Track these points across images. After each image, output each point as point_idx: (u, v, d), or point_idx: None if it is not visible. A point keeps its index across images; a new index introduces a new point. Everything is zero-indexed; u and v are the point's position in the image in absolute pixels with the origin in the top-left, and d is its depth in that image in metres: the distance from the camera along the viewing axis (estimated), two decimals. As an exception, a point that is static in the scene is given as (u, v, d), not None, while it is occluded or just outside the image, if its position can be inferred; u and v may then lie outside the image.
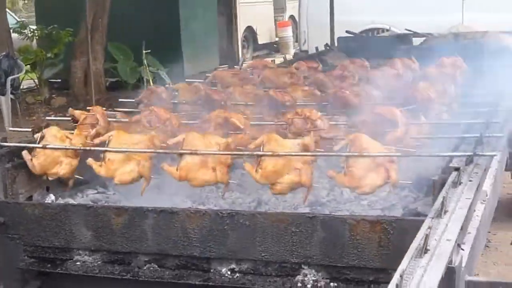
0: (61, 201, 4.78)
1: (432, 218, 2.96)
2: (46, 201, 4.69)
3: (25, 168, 4.62)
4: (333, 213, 4.29)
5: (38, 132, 4.81)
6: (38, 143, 4.61)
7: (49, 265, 4.40)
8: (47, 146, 4.54)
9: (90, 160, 4.49)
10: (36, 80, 16.18)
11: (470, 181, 3.58)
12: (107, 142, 4.50)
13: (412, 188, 4.80)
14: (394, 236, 3.68)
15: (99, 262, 4.30)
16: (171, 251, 4.09)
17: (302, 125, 4.60)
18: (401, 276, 2.29)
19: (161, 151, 4.39)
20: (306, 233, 3.83)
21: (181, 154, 4.30)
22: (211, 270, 4.08)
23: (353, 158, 4.00)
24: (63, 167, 4.59)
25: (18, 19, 21.14)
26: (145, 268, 4.18)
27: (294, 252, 3.87)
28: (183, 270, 4.12)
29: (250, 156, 4.29)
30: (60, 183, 4.89)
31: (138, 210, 4.13)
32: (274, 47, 24.66)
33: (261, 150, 4.19)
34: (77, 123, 5.12)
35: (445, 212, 3.02)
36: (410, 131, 4.41)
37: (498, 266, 6.47)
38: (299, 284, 3.90)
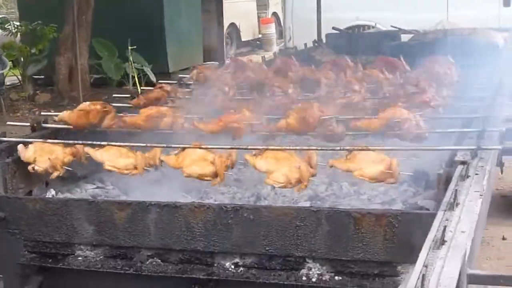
0: (60, 196, 4.76)
1: (445, 210, 2.97)
2: (47, 196, 4.68)
3: (25, 163, 4.60)
4: (338, 207, 4.30)
5: (36, 127, 4.81)
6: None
7: (50, 260, 4.39)
8: (47, 140, 4.51)
9: (87, 148, 4.48)
10: (20, 77, 16.08)
11: (477, 174, 3.60)
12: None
13: (411, 182, 4.82)
14: (399, 230, 3.70)
15: (101, 257, 4.29)
16: (174, 246, 4.09)
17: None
18: (426, 266, 2.31)
19: (164, 145, 4.37)
20: (310, 226, 3.84)
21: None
22: (215, 264, 4.08)
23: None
24: (56, 155, 4.54)
25: (-1, 15, 20.99)
26: (148, 262, 4.18)
27: (299, 246, 3.88)
28: (187, 264, 4.12)
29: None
30: (60, 179, 4.87)
31: (141, 205, 4.12)
32: (257, 44, 24.68)
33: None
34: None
35: (457, 204, 3.04)
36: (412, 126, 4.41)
37: (490, 260, 6.51)
38: (304, 278, 3.92)
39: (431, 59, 6.42)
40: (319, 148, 4.23)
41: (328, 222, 3.81)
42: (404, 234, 3.69)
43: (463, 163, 3.64)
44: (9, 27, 15.97)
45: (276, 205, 4.14)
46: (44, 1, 16.14)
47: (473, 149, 3.86)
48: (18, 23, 16.51)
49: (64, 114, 4.92)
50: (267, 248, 3.93)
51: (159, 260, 4.17)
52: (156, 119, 4.81)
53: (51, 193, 4.77)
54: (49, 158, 4.48)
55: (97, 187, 5.05)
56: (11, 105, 14.38)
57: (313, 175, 4.13)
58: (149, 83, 13.94)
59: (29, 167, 4.53)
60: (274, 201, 4.72)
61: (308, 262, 3.92)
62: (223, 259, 4.07)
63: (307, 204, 4.57)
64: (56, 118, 5.06)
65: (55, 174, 4.55)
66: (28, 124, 4.95)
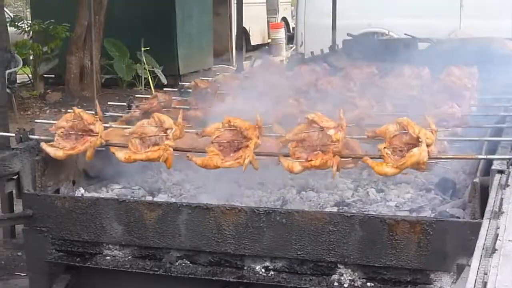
0: (88, 195, 4.76)
1: (490, 219, 2.96)
2: (76, 195, 4.67)
3: (54, 160, 4.58)
4: (371, 213, 4.29)
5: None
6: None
7: (77, 259, 4.38)
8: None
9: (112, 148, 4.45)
10: (30, 75, 16.09)
11: (515, 183, 3.59)
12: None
13: (437, 190, 4.81)
14: (434, 237, 3.69)
15: (129, 257, 4.28)
16: (205, 247, 4.08)
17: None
18: (485, 273, 2.30)
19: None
20: (343, 232, 3.84)
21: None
22: (245, 268, 4.07)
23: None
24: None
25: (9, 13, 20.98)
26: (177, 264, 4.17)
27: (331, 251, 3.87)
28: (216, 266, 4.11)
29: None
30: (87, 177, 4.87)
31: (173, 206, 4.12)
32: (266, 49, 24.68)
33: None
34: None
35: (502, 213, 3.03)
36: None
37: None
38: (335, 284, 3.91)
39: (454, 68, 6.40)
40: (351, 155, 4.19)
41: (362, 227, 3.80)
42: (438, 242, 3.69)
43: (500, 172, 3.63)
44: (22, 25, 15.97)
45: (309, 209, 4.11)
46: (56, 0, 16.15)
47: (509, 158, 3.83)
48: (30, 22, 16.52)
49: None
50: (298, 253, 3.92)
51: (189, 262, 4.17)
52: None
53: (80, 191, 4.76)
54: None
55: (123, 187, 5.04)
56: (22, 103, 14.38)
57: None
58: (160, 85, 13.96)
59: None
60: (300, 205, 4.70)
61: (339, 268, 3.91)
62: (253, 263, 4.06)
63: (334, 209, 4.55)
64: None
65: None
66: (55, 122, 4.93)
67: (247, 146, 4.21)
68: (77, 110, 4.59)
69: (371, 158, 4.07)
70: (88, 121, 4.50)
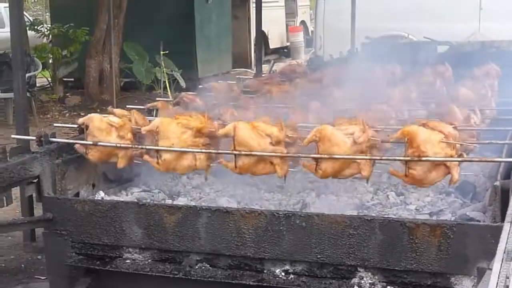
0: (108, 198, 4.77)
1: (510, 222, 2.94)
2: (96, 198, 4.68)
3: (74, 163, 4.62)
4: (392, 216, 4.27)
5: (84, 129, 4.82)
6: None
7: (97, 263, 4.40)
8: (98, 143, 4.49)
9: (146, 157, 4.46)
10: (50, 79, 16.16)
11: (535, 187, 3.57)
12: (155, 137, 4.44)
13: (457, 193, 4.79)
14: (454, 241, 3.67)
15: (149, 260, 4.29)
16: (224, 251, 4.09)
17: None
18: (507, 277, 2.28)
19: (213, 151, 4.35)
20: (364, 235, 3.83)
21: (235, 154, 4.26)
22: (265, 271, 4.07)
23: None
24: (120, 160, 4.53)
25: (29, 17, 21.09)
26: (197, 267, 4.18)
27: (351, 255, 3.87)
28: (236, 270, 4.12)
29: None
30: (106, 181, 4.88)
31: (192, 209, 4.13)
32: (285, 52, 24.70)
33: (316, 150, 4.15)
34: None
35: (523, 217, 3.02)
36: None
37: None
38: (355, 287, 3.89)
39: (476, 70, 6.39)
40: (374, 158, 4.16)
41: (382, 231, 3.79)
42: (458, 245, 3.67)
43: (521, 175, 3.61)
44: (42, 28, 16.04)
45: (329, 213, 4.11)
46: (76, 4, 16.22)
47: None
48: (49, 25, 16.60)
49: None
50: (318, 256, 3.92)
51: (208, 265, 4.17)
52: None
53: (100, 195, 4.77)
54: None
55: (143, 191, 5.04)
56: (41, 107, 14.43)
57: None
58: (179, 89, 13.98)
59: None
60: (319, 209, 4.69)
61: (359, 271, 3.91)
62: (273, 266, 4.06)
63: (354, 212, 4.54)
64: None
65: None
66: (76, 125, 4.94)
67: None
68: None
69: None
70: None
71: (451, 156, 3.93)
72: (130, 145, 4.48)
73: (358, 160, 4.06)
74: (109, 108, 5.35)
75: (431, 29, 12.40)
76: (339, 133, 4.12)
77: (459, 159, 3.95)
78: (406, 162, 3.97)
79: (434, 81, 6.26)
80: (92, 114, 4.69)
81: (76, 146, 4.56)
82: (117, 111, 5.14)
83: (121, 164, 4.50)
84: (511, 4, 13.76)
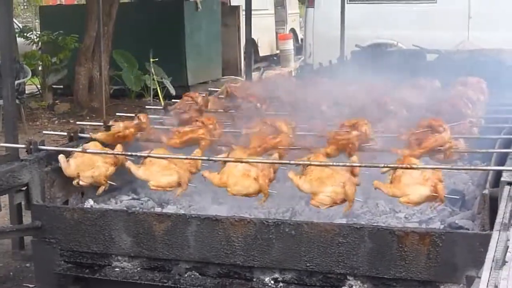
0: (97, 206, 4.76)
1: (499, 230, 2.95)
2: (85, 206, 4.67)
3: (63, 172, 4.59)
4: (381, 224, 4.28)
5: (73, 137, 4.81)
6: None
7: (86, 271, 4.39)
8: (87, 150, 4.49)
9: (129, 162, 4.46)
10: (39, 86, 16.12)
11: (525, 195, 3.57)
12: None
13: (447, 201, 4.80)
14: (443, 249, 3.68)
15: (138, 269, 4.29)
16: (214, 259, 4.08)
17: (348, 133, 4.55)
18: (496, 286, 2.29)
19: (205, 158, 4.36)
20: (353, 243, 3.83)
21: (225, 163, 4.27)
22: (254, 279, 4.07)
23: (401, 170, 3.98)
24: (99, 169, 4.52)
25: (19, 24, 21.05)
26: (186, 275, 4.18)
27: (340, 263, 3.87)
28: (225, 278, 4.11)
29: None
30: (95, 189, 4.86)
31: (182, 217, 4.12)
32: (274, 60, 24.68)
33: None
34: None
35: (511, 225, 3.02)
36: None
37: None
38: (345, 295, 3.90)
39: (463, 79, 6.40)
40: (363, 164, 4.19)
41: (371, 239, 3.80)
42: (447, 254, 3.68)
43: (510, 183, 3.62)
44: (31, 35, 16.01)
45: (318, 221, 4.11)
46: (65, 11, 16.20)
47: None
48: (39, 32, 16.57)
49: (100, 136, 4.84)
50: (307, 264, 3.92)
51: (197, 274, 4.17)
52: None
53: (89, 203, 4.76)
54: (92, 176, 4.47)
55: (132, 198, 5.04)
56: (31, 114, 14.38)
57: (357, 184, 4.11)
58: (169, 96, 13.98)
59: (74, 182, 4.53)
60: (309, 217, 4.69)
61: (349, 279, 3.91)
62: (262, 274, 4.06)
63: (343, 221, 4.55)
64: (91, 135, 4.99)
65: (101, 189, 4.55)
66: (65, 133, 4.93)
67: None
68: None
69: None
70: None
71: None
72: (119, 153, 4.48)
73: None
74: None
75: (419, 37, 12.45)
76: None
77: (448, 167, 3.97)
78: (395, 169, 3.99)
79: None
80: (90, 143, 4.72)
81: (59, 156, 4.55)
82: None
83: (97, 172, 4.50)
84: (500, 13, 13.82)
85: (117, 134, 4.78)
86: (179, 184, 4.36)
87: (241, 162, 4.21)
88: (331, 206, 4.17)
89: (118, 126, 4.84)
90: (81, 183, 4.55)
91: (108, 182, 4.58)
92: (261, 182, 4.21)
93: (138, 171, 4.44)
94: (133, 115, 5.66)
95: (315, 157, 4.21)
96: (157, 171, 4.38)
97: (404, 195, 4.00)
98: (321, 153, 4.25)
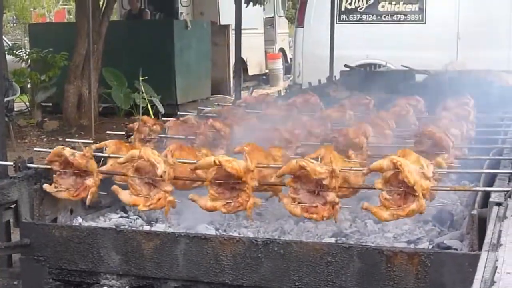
0: (85, 224, 4.75)
1: (488, 251, 2.97)
2: (74, 224, 4.66)
3: (52, 192, 4.59)
4: (370, 244, 4.29)
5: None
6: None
7: (74, 289, 4.38)
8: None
9: (114, 187, 4.45)
10: (28, 103, 16.12)
11: (513, 216, 3.59)
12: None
13: (435, 222, 4.82)
14: (432, 269, 3.69)
15: (127, 287, 4.27)
16: (202, 278, 4.08)
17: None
18: (484, 307, 2.30)
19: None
20: (342, 263, 3.83)
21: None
22: (243, 298, 4.06)
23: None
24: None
25: (8, 41, 21.06)
26: (174, 294, 4.17)
27: (329, 282, 3.87)
28: (214, 297, 4.11)
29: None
30: (84, 206, 4.86)
31: (170, 236, 4.12)
32: (264, 79, 24.77)
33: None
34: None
35: (500, 245, 3.04)
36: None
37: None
38: (333, 315, 3.89)
39: (451, 100, 6.43)
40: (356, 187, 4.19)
41: (360, 259, 3.81)
42: (436, 274, 3.69)
43: (498, 204, 3.64)
44: (21, 53, 16.03)
45: (308, 240, 4.12)
46: (55, 29, 16.22)
47: (507, 191, 3.84)
48: (28, 50, 16.60)
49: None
50: (296, 284, 3.92)
51: (186, 292, 4.16)
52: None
53: (77, 221, 4.75)
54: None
55: (121, 217, 5.03)
56: (19, 132, 14.38)
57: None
58: (157, 114, 14.00)
59: None
60: (297, 236, 4.70)
61: (338, 299, 3.90)
62: (251, 293, 4.05)
63: (332, 240, 4.55)
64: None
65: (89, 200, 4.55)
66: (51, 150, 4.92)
67: (244, 190, 4.21)
68: (65, 151, 4.57)
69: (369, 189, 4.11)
70: (80, 164, 4.50)
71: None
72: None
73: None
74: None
75: (409, 57, 12.52)
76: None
77: (438, 188, 3.98)
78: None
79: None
80: None
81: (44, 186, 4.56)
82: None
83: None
84: (489, 33, 13.90)
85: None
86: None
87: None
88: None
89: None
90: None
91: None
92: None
93: (125, 196, 4.42)
94: (123, 133, 5.69)
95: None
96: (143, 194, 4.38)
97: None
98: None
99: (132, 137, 5.54)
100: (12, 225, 4.68)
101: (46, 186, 4.53)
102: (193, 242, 4.06)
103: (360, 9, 15.25)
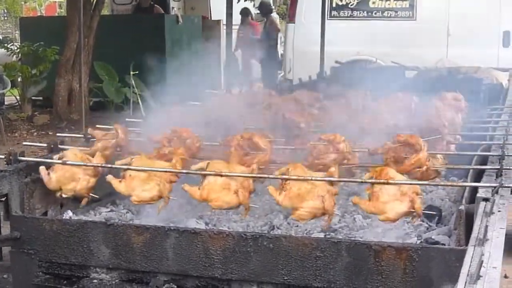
0: (75, 217, 4.76)
1: (474, 246, 2.99)
2: (64, 217, 4.68)
3: (42, 182, 4.60)
4: (358, 239, 4.31)
5: (53, 148, 4.81)
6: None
7: (64, 282, 4.38)
8: (66, 162, 4.50)
9: (109, 176, 4.47)
10: (18, 97, 16.10)
11: (499, 211, 3.61)
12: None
13: (423, 217, 4.84)
14: (419, 264, 3.71)
15: (116, 281, 4.29)
16: (192, 272, 4.09)
17: (325, 150, 4.60)
18: (469, 302, 2.33)
19: (184, 171, 4.38)
20: (330, 257, 3.85)
21: (204, 176, 4.29)
22: (232, 292, 4.08)
23: (378, 186, 4.01)
24: (80, 183, 4.55)
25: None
26: (164, 287, 4.18)
27: (318, 277, 3.88)
28: (203, 291, 4.12)
29: (274, 180, 4.29)
30: (75, 200, 4.87)
31: (160, 230, 4.13)
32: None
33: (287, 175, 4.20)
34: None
35: (486, 240, 3.06)
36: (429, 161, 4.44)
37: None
38: (322, 309, 3.92)
39: (441, 96, 6.45)
40: (342, 179, 4.23)
41: (348, 253, 3.82)
42: (423, 268, 3.71)
43: (486, 199, 3.67)
44: (11, 47, 16.01)
45: (297, 235, 4.13)
46: (46, 23, 16.18)
47: (494, 186, 3.87)
48: (19, 44, 16.58)
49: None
50: (285, 278, 3.93)
51: (176, 286, 4.17)
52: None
53: (67, 214, 4.77)
54: (74, 190, 4.50)
55: (111, 210, 5.05)
56: (9, 125, 14.36)
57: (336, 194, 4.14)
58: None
59: (57, 194, 4.55)
60: (287, 231, 4.73)
61: (326, 293, 3.93)
62: (240, 287, 4.07)
63: (321, 235, 4.58)
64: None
65: (84, 202, 4.58)
66: (45, 145, 4.94)
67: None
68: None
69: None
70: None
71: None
72: (99, 165, 4.50)
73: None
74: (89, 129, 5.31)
75: (399, 53, 12.55)
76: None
77: (425, 182, 4.01)
78: (372, 184, 4.03)
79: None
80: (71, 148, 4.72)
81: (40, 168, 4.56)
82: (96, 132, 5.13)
83: (79, 186, 4.52)
84: (479, 30, 13.95)
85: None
86: (160, 197, 4.38)
87: (221, 176, 4.22)
88: (311, 219, 4.20)
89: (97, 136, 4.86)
90: (63, 195, 4.57)
91: (91, 194, 4.61)
92: (241, 197, 4.23)
93: (120, 186, 4.44)
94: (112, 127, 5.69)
95: (294, 168, 4.22)
96: (138, 185, 4.38)
97: (382, 213, 4.04)
98: (298, 166, 4.26)
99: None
100: (2, 218, 4.68)
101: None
102: (182, 236, 4.07)
103: (351, 5, 15.28)
